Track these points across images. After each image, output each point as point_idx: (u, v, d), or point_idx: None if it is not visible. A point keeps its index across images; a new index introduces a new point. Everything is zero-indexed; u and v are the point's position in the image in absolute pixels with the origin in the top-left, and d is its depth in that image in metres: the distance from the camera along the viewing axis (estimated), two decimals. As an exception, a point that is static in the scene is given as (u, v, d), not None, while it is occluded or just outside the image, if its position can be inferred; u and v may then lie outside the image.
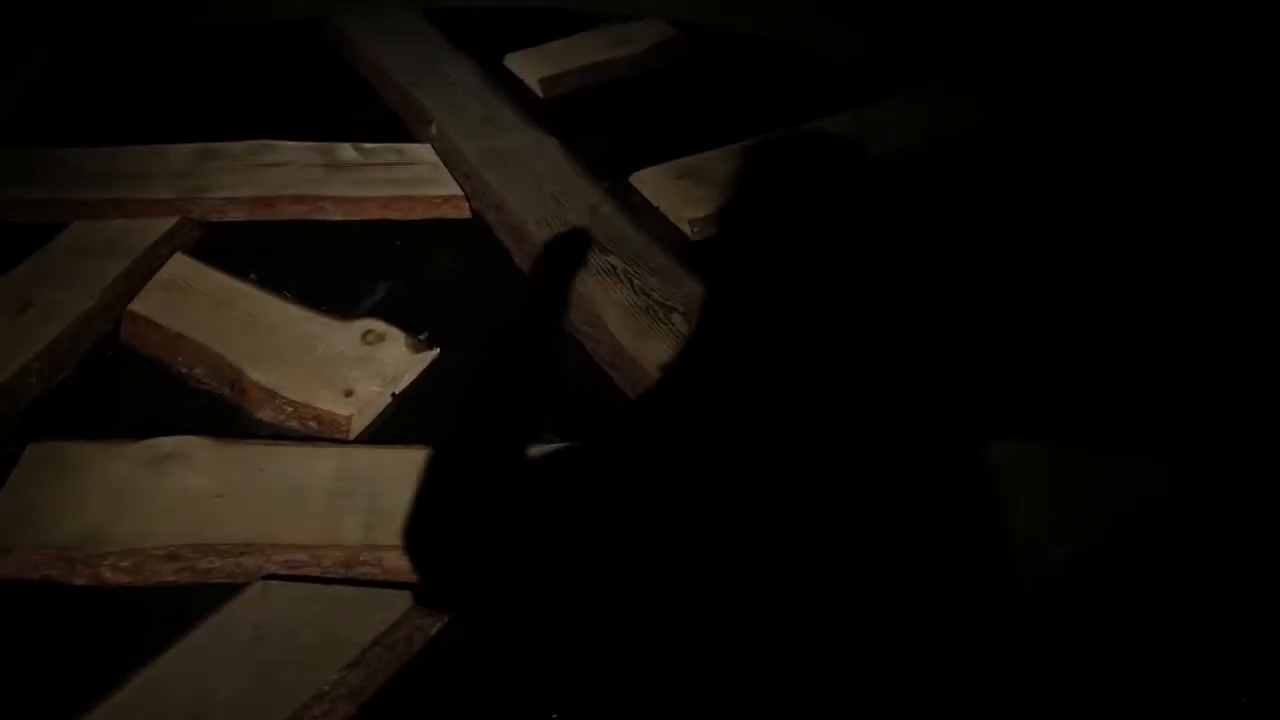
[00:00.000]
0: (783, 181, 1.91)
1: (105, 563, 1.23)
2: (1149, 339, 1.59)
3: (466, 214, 1.88)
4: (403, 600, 1.19)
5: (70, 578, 1.24)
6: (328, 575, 1.23)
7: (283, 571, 1.23)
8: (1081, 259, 1.77)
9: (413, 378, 1.52)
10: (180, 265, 1.71)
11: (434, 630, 1.19)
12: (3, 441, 1.43)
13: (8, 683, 1.16)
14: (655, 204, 1.87)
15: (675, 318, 1.55)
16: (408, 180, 1.90)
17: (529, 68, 2.30)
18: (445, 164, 1.96)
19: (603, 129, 2.15)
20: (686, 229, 1.81)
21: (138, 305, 1.62)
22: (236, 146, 1.98)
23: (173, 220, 1.79)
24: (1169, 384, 1.50)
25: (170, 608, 1.22)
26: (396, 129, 2.12)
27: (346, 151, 1.97)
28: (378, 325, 1.58)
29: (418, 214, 1.88)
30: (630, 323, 1.55)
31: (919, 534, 1.25)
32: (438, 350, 1.56)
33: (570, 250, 1.71)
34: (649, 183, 1.92)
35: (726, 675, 1.16)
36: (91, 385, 1.55)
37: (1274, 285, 1.62)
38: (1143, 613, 1.21)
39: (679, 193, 1.88)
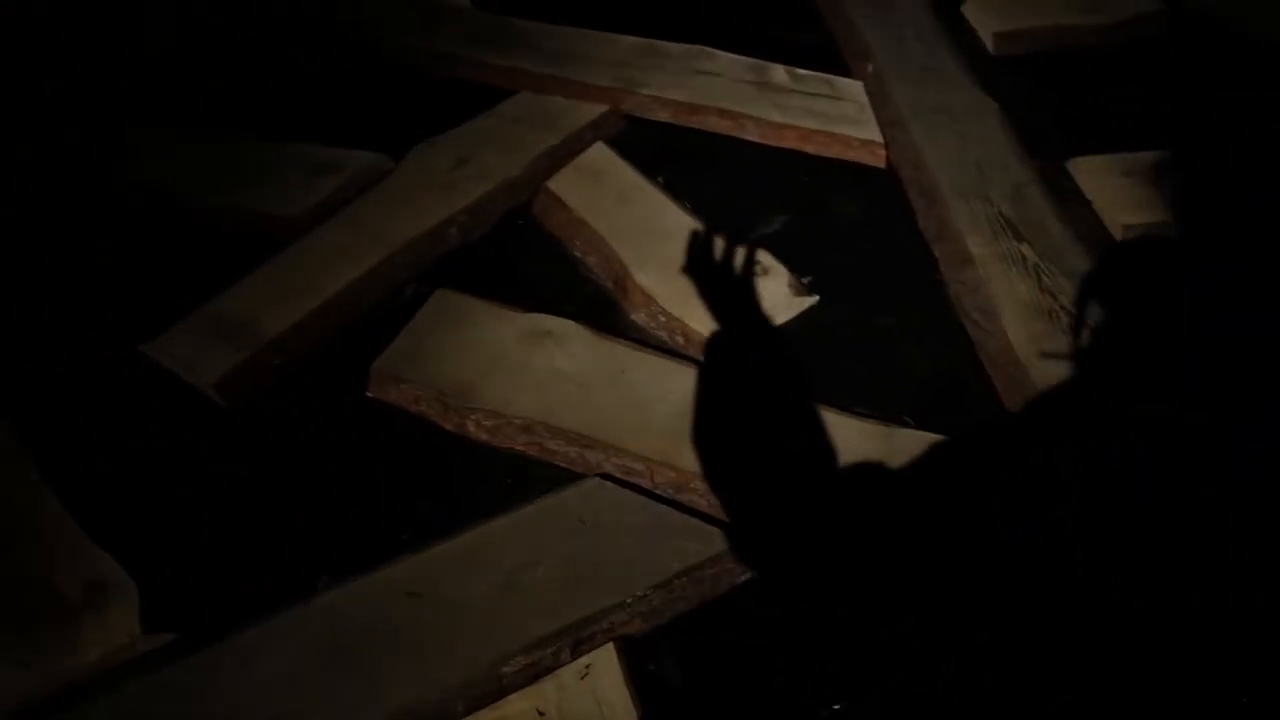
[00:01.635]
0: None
1: (472, 417, 1.34)
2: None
3: (882, 163, 1.80)
4: (719, 539, 1.19)
5: (441, 420, 1.37)
6: (657, 491, 1.26)
7: (617, 475, 1.28)
8: None
9: (786, 319, 1.49)
10: (599, 153, 1.78)
11: (741, 579, 1.19)
12: (415, 280, 1.58)
13: (374, 504, 1.31)
14: (1089, 197, 1.68)
15: (1083, 334, 1.40)
16: (831, 115, 1.84)
17: (985, 19, 2.13)
18: (873, 106, 1.87)
19: (1049, 100, 1.94)
20: (1118, 233, 1.61)
21: (554, 183, 1.72)
22: (675, 48, 2.01)
23: (603, 108, 1.87)
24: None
25: (515, 474, 1.31)
26: (832, 59, 2.05)
27: (779, 74, 1.94)
28: (765, 257, 1.56)
29: (833, 152, 1.81)
30: (1027, 324, 1.42)
31: None
32: (817, 298, 1.52)
33: (978, 226, 1.59)
34: (1088, 172, 1.72)
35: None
36: (499, 249, 1.67)
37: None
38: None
39: (1120, 191, 1.67)
